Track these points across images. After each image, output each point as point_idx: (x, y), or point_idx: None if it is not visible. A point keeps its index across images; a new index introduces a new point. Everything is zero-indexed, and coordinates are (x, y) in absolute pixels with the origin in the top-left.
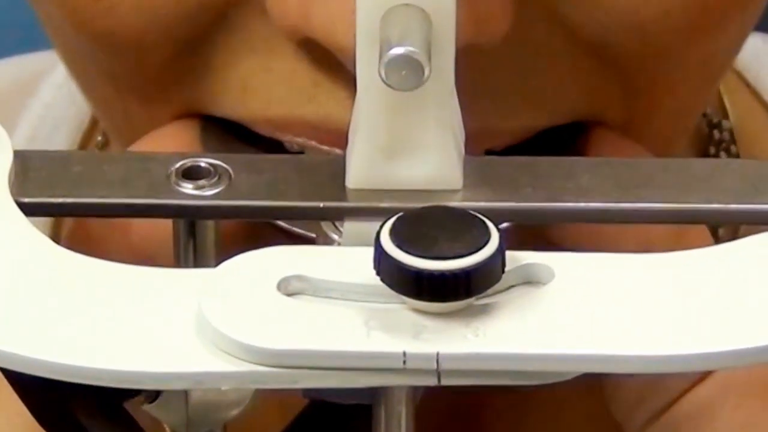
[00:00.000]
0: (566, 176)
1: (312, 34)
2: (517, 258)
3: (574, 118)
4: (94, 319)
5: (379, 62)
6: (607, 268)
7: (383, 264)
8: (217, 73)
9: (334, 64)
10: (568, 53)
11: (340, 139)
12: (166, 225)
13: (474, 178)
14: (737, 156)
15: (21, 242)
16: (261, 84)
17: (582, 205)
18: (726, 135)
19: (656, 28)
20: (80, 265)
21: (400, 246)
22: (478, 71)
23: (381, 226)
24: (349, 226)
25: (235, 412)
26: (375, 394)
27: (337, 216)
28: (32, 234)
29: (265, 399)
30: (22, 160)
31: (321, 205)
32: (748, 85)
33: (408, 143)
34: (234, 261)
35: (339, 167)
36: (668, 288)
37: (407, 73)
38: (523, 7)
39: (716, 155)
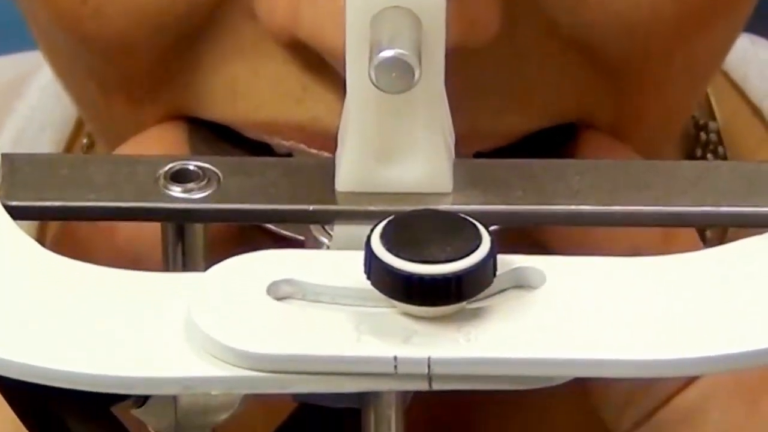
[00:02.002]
0: (556, 178)
1: (300, 36)
2: (508, 262)
3: (563, 120)
4: (83, 325)
5: (369, 64)
6: (598, 271)
7: (374, 268)
8: (205, 76)
9: (322, 67)
10: (557, 55)
11: (329, 142)
12: (151, 227)
13: (464, 180)
14: (724, 157)
15: (8, 246)
16: (249, 87)
17: (573, 208)
18: (713, 137)
19: (645, 30)
20: (68, 269)
21: (390, 250)
22: (467, 73)
23: (371, 230)
24: (339, 230)
25: (223, 416)
26: (365, 398)
27: (326, 219)
28: (19, 238)
29: (253, 403)
30: (9, 162)
31: (310, 208)
32: (735, 86)
33: (398, 146)
34: (223, 265)
35: (328, 170)
36: (659, 292)
37: (397, 76)
38: (512, 8)
39: (703, 157)
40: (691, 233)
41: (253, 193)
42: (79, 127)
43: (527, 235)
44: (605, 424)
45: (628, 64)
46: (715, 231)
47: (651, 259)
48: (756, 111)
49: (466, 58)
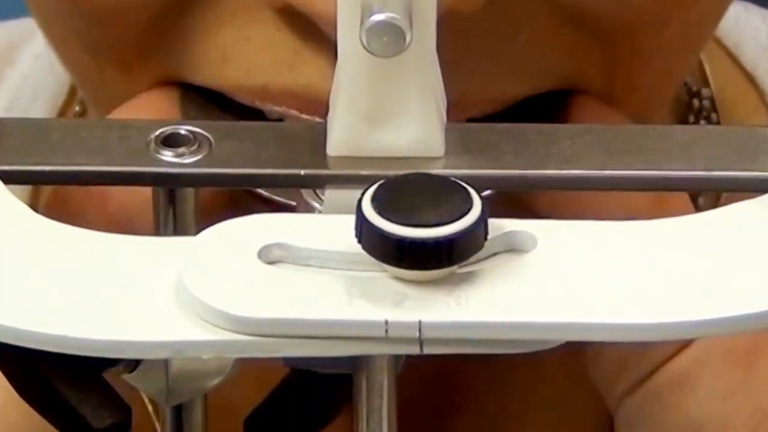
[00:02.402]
0: (548, 143)
1: (292, 1)
2: (499, 226)
3: (555, 86)
4: (73, 289)
5: (360, 28)
6: (589, 235)
7: (365, 232)
8: (197, 41)
9: (314, 33)
10: (548, 20)
11: (320, 107)
12: (143, 192)
13: (456, 145)
14: (718, 123)
15: None
16: (241, 53)
17: (565, 172)
18: (706, 103)
19: None
20: (59, 233)
21: (381, 214)
22: (458, 39)
23: (362, 194)
24: (330, 194)
25: (214, 381)
26: (356, 363)
27: (317, 184)
28: (10, 202)
29: (244, 368)
30: (0, 127)
31: (302, 172)
32: (728, 52)
33: (389, 110)
34: (214, 229)
35: (320, 135)
36: (651, 255)
37: (388, 40)
38: None
39: (696, 123)
40: (684, 198)
41: (245, 158)
42: (71, 96)
43: (519, 201)
44: (597, 392)
45: (621, 30)
46: (708, 197)
47: (643, 223)
48: (749, 77)
49: (458, 25)
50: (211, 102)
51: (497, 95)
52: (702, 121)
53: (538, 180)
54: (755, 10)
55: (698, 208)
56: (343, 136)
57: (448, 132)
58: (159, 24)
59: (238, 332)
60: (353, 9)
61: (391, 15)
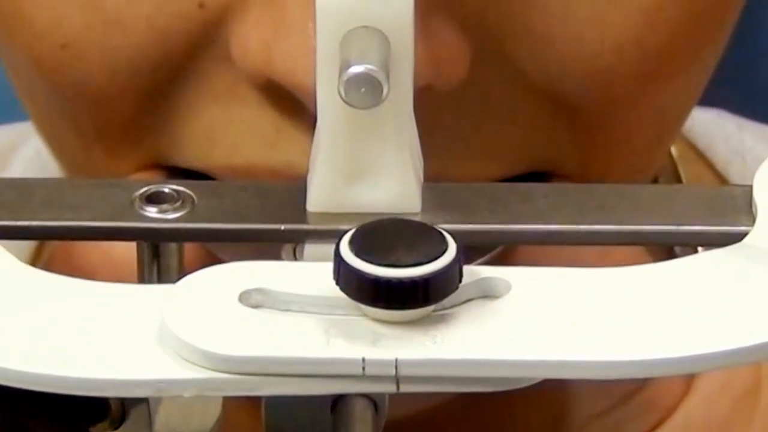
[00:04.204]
0: (522, 201)
1: (273, 75)
2: (474, 272)
3: (530, 169)
4: (57, 331)
5: (339, 80)
6: (564, 280)
7: (342, 272)
8: (182, 122)
9: (296, 110)
10: (524, 104)
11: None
12: None
13: (432, 202)
14: None
15: None
16: (224, 132)
17: (539, 227)
18: None
19: (609, 77)
20: (43, 280)
21: (358, 255)
22: (434, 119)
23: (340, 238)
24: (310, 249)
25: None
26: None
27: (297, 238)
28: None
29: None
30: None
31: (282, 227)
32: (700, 154)
33: (367, 166)
34: (196, 275)
35: (300, 193)
36: (625, 299)
37: (366, 91)
38: (479, 55)
39: None
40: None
41: (226, 214)
42: None
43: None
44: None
45: (594, 113)
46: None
47: (617, 270)
48: (721, 178)
49: (433, 101)
50: None
51: (471, 175)
52: None
53: (514, 234)
54: (728, 117)
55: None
56: (322, 192)
57: (424, 190)
58: (145, 106)
59: (219, 370)
60: (332, 63)
61: (369, 66)
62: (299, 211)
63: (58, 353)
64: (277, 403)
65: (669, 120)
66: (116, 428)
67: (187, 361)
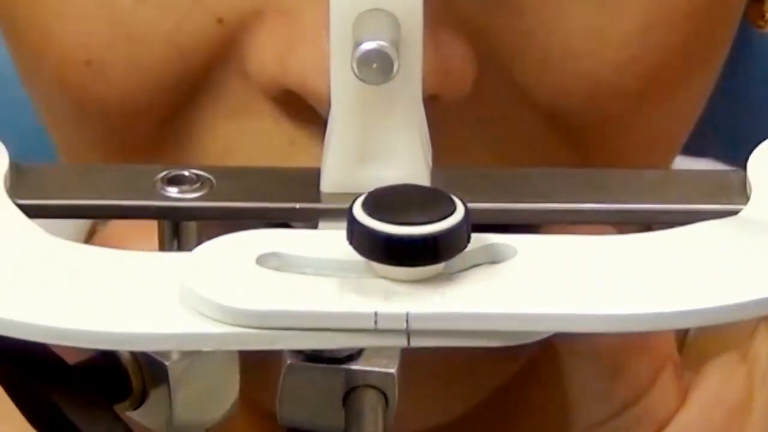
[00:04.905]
0: (524, 183)
1: (288, 84)
2: (482, 239)
3: None
4: (84, 292)
5: (351, 57)
6: (566, 246)
7: (355, 232)
8: (199, 137)
9: (308, 120)
10: (525, 117)
11: None
12: None
13: (440, 183)
14: None
15: (16, 231)
16: (240, 146)
17: (543, 205)
18: None
19: (607, 94)
20: (73, 250)
21: (371, 215)
22: (439, 127)
23: (353, 201)
24: (323, 227)
25: (217, 417)
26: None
27: (311, 217)
28: (27, 225)
29: (245, 413)
30: (16, 169)
31: (297, 206)
32: None
33: (379, 147)
34: (214, 240)
35: (314, 176)
36: (627, 260)
37: (378, 67)
38: (484, 68)
39: None
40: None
41: (243, 194)
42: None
43: None
44: None
45: (591, 131)
46: None
47: (619, 237)
48: None
49: (440, 114)
50: None
51: None
52: None
53: (517, 213)
54: (719, 166)
55: None
56: (335, 173)
57: (432, 174)
58: (165, 123)
59: (237, 325)
60: (345, 43)
61: (381, 43)
62: (313, 192)
63: (82, 310)
64: (290, 396)
65: (664, 141)
66: (136, 408)
67: (207, 317)
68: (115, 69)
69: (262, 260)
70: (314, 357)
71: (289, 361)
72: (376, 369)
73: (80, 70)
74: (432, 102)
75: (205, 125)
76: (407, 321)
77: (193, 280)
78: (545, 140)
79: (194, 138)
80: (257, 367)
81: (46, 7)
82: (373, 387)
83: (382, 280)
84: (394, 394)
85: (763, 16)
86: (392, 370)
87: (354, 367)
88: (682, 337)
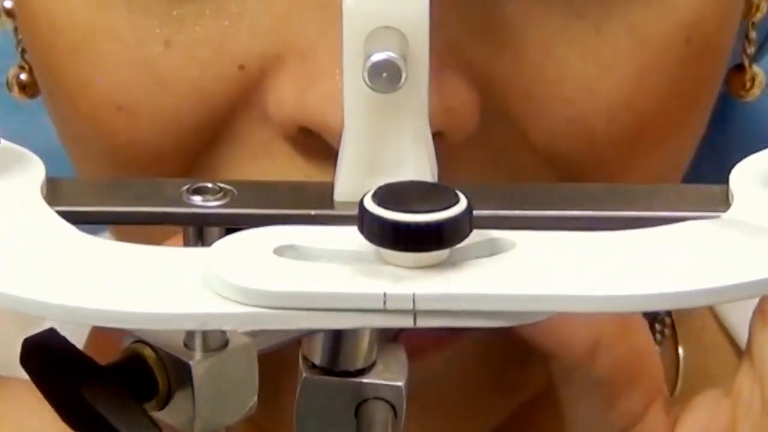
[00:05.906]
0: (523, 197)
1: (305, 122)
2: (484, 233)
3: None
4: (112, 278)
5: (363, 68)
6: (562, 239)
7: (366, 221)
8: (220, 177)
9: (323, 158)
10: (525, 159)
11: None
12: None
13: None
14: (672, 328)
15: (56, 232)
16: None
17: (540, 212)
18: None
19: (601, 139)
20: (103, 245)
21: (380, 205)
22: (443, 165)
23: (364, 195)
24: None
25: (236, 417)
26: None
27: (326, 222)
28: (64, 226)
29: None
30: (52, 182)
31: (312, 212)
32: None
33: (388, 159)
34: (234, 235)
35: (328, 189)
36: (624, 252)
37: (387, 76)
38: (487, 110)
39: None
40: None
41: (262, 203)
42: None
43: None
44: None
45: (587, 173)
46: None
47: (609, 233)
48: None
49: (444, 153)
50: None
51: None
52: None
53: (521, 219)
54: None
55: None
56: (348, 184)
57: None
58: (189, 164)
59: (256, 305)
60: (357, 57)
61: (390, 54)
62: (328, 202)
63: (109, 292)
64: (306, 408)
65: (659, 182)
66: (161, 408)
67: (228, 299)
68: (145, 114)
69: (279, 251)
70: (328, 370)
71: (305, 375)
72: (386, 382)
73: (113, 115)
74: (437, 139)
75: (227, 165)
76: (414, 301)
77: (215, 265)
78: (544, 180)
79: (215, 178)
80: (266, 399)
81: (84, 56)
82: (383, 399)
83: (390, 267)
84: (402, 406)
85: (744, 86)
86: (400, 384)
87: (365, 380)
88: (672, 386)
